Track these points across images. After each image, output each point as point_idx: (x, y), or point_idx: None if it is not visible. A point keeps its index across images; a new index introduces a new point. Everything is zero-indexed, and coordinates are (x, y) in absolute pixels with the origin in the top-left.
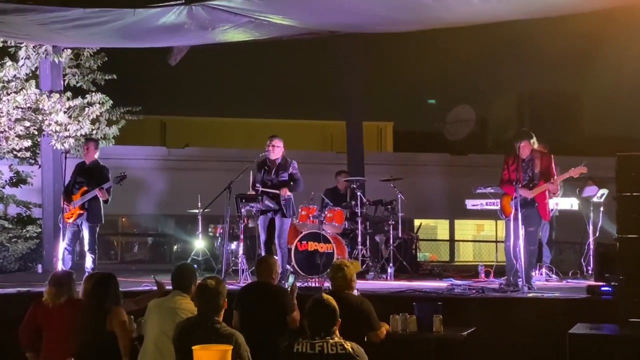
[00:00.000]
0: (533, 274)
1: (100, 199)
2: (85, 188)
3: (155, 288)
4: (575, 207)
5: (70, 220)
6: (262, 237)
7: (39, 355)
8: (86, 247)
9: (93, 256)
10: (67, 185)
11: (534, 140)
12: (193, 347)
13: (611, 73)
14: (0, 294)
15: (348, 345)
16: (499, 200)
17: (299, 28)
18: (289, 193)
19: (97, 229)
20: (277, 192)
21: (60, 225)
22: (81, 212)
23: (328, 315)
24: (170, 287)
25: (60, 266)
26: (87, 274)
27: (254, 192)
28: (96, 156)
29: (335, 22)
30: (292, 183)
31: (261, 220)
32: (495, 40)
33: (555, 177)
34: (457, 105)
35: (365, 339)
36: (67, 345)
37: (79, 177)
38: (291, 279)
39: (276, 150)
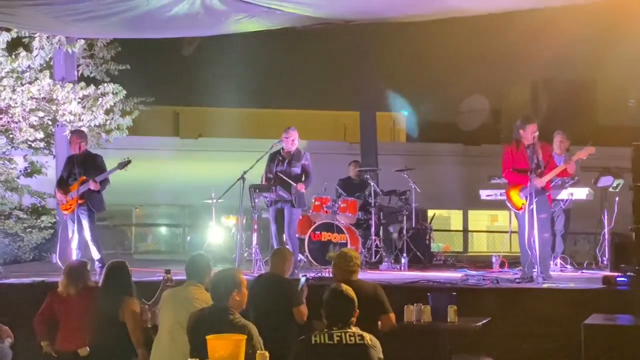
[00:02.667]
0: (550, 263)
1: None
2: (83, 178)
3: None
4: (590, 198)
5: (68, 212)
6: (272, 228)
7: (54, 344)
8: (88, 238)
9: (96, 245)
10: (60, 177)
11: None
12: (207, 337)
13: (626, 62)
14: (16, 283)
15: (366, 336)
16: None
17: (313, 17)
18: (304, 189)
19: (96, 218)
20: (293, 184)
21: (57, 219)
22: (81, 201)
23: (346, 306)
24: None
25: (75, 256)
26: (97, 263)
27: (266, 182)
28: (84, 146)
29: (350, 10)
30: (305, 178)
31: (271, 211)
32: (509, 30)
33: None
34: (470, 95)
35: (380, 324)
36: (82, 333)
37: (73, 168)
38: (302, 280)
39: (295, 143)
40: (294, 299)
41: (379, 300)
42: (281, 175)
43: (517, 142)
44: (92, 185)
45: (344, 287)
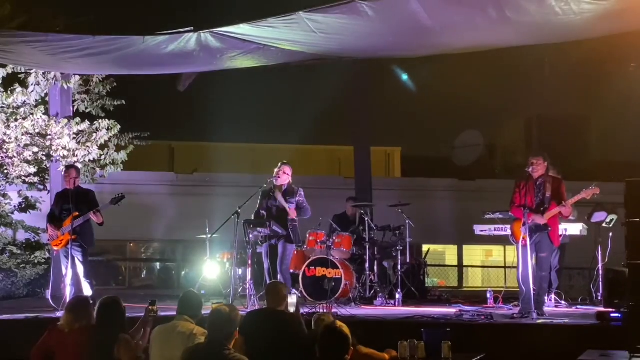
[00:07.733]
0: (545, 299)
1: (95, 222)
2: (76, 213)
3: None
4: (584, 233)
5: (57, 248)
6: (266, 264)
7: None
8: (81, 274)
9: (89, 282)
10: (51, 212)
11: (548, 163)
12: None
13: (619, 97)
14: (9, 320)
15: None
16: (507, 226)
17: (307, 54)
18: (295, 214)
19: (89, 254)
20: (286, 208)
21: (51, 255)
22: (73, 237)
23: (340, 343)
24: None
25: (68, 292)
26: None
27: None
28: (78, 182)
29: (343, 47)
30: (300, 212)
31: (264, 247)
32: (503, 65)
33: (566, 200)
34: (464, 130)
35: None
36: None
37: (65, 204)
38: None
39: (283, 177)
40: (302, 335)
41: None
42: (271, 214)
43: (527, 177)
44: (95, 218)
45: (339, 324)
